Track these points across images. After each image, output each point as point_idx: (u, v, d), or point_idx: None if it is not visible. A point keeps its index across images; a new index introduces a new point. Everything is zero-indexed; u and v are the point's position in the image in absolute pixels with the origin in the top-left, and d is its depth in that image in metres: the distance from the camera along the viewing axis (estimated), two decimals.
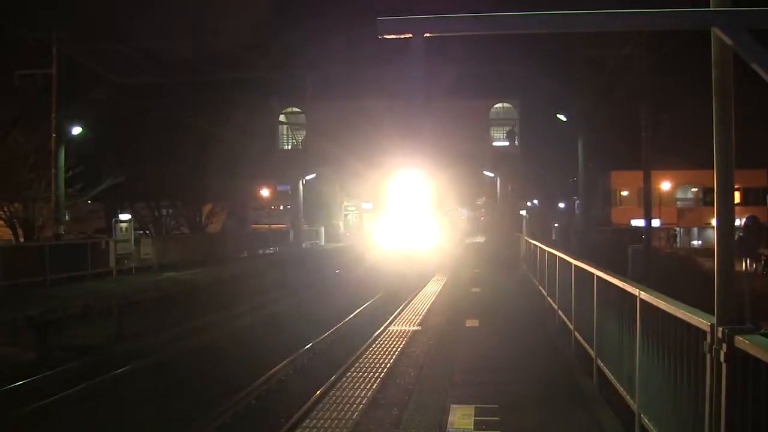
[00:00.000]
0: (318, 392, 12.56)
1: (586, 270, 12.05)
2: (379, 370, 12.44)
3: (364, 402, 10.31)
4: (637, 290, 8.08)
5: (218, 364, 17.85)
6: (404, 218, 35.02)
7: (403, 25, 5.73)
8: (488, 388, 10.77)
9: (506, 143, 56.90)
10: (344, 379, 11.91)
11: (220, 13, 36.42)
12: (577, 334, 13.11)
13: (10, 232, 41.16)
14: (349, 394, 10.69)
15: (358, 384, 11.36)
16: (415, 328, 17.50)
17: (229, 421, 13.15)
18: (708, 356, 5.68)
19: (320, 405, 10.31)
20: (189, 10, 34.57)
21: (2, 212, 40.66)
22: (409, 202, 32.31)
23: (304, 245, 58.74)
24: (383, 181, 48.04)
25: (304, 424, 9.37)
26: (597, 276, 10.89)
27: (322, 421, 9.37)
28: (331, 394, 10.90)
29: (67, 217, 37.27)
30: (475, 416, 9.23)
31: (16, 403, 14.50)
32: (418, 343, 15.23)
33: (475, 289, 26.40)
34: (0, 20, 32.62)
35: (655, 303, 7.31)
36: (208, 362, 18.22)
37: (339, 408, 9.97)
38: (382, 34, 5.71)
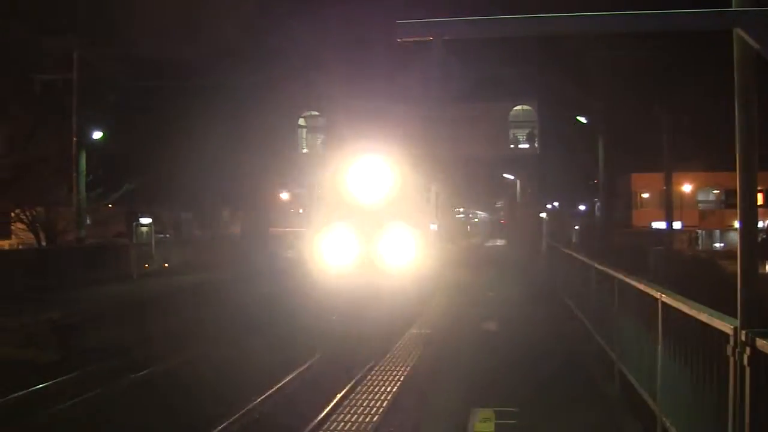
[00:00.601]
0: None
1: (607, 272, 11.99)
2: None
3: None
4: (659, 293, 8.03)
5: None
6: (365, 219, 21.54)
7: (422, 29, 5.70)
8: (507, 390, 10.71)
9: (526, 145, 56.66)
10: None
11: (238, 16, 36.51)
12: (598, 338, 13.04)
13: (33, 236, 41.44)
14: None
15: None
16: None
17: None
18: (731, 359, 5.63)
19: None
20: (206, 13, 34.68)
21: (24, 216, 40.95)
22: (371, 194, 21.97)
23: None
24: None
25: None
26: (617, 278, 10.83)
27: None
28: None
29: (88, 221, 37.45)
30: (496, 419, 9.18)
31: (42, 404, 14.62)
32: None
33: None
34: (21, 25, 32.83)
35: (677, 306, 7.25)
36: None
37: None
38: (401, 38, 5.69)
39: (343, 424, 9.59)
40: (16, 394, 15.22)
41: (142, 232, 34.28)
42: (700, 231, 61.70)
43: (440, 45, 5.51)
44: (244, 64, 40.59)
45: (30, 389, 15.64)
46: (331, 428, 9.45)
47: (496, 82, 42.83)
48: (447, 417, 9.66)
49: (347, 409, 10.32)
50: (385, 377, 12.29)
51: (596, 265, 13.71)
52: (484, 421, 9.14)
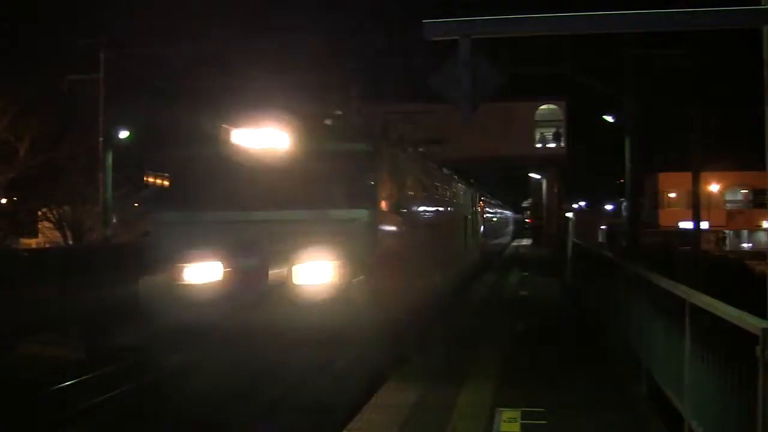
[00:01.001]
0: None
1: (634, 272, 11.93)
2: None
3: None
4: (687, 293, 7.97)
5: None
6: None
7: (449, 28, 5.71)
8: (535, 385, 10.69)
9: (553, 145, 56.40)
10: None
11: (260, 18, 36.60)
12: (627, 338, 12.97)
13: (59, 235, 41.77)
14: None
15: None
16: None
17: None
18: (760, 360, 5.57)
19: None
20: (228, 13, 34.78)
21: (51, 215, 41.30)
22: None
23: None
24: None
25: None
26: (645, 278, 10.77)
27: None
28: None
29: (114, 219, 37.68)
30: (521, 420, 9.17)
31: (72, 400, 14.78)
32: None
33: None
34: (49, 26, 33.18)
35: (704, 306, 7.20)
36: None
37: None
38: (429, 37, 5.70)
39: None
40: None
41: None
42: (727, 231, 61.19)
43: (468, 44, 5.51)
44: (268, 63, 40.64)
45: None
46: None
47: (522, 81, 42.57)
48: None
49: None
50: None
51: (625, 267, 13.65)
52: (510, 421, 9.12)
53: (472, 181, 32.97)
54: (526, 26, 6.16)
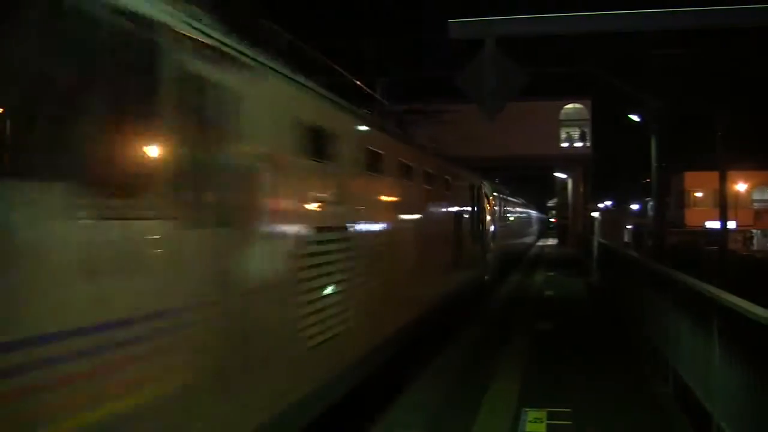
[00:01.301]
0: None
1: (660, 271, 11.88)
2: None
3: None
4: (715, 293, 7.93)
5: None
6: None
7: (474, 27, 5.70)
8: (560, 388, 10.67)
9: (578, 144, 56.20)
10: None
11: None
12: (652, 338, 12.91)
13: None
14: None
15: None
16: None
17: None
18: None
19: None
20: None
21: None
22: None
23: None
24: None
25: None
26: (672, 278, 10.71)
27: None
28: None
29: None
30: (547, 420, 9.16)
31: None
32: None
33: None
34: None
35: (733, 306, 7.16)
36: None
37: None
38: (454, 36, 5.70)
39: None
40: None
41: None
42: (755, 231, 60.63)
43: (493, 44, 5.51)
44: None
45: None
46: None
47: (547, 80, 42.52)
48: None
49: None
50: None
51: (651, 266, 13.59)
52: (535, 422, 9.10)
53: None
54: (549, 25, 6.15)
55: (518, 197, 49.89)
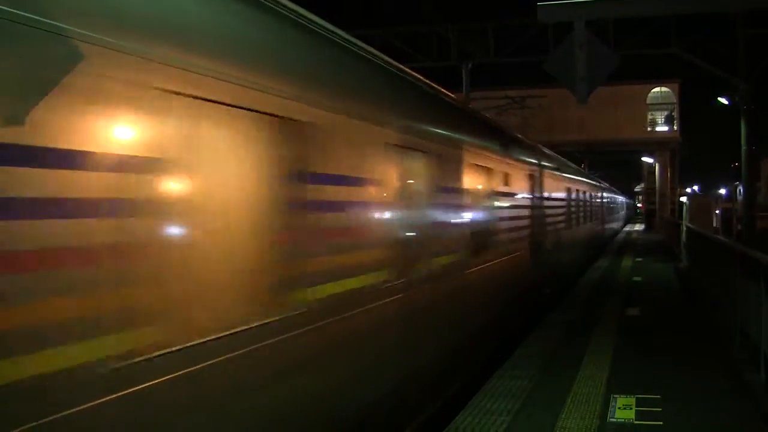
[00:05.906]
0: None
1: (752, 256, 11.67)
2: None
3: None
4: None
5: None
6: None
7: (564, 10, 5.72)
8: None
9: (665, 128, 55.32)
10: None
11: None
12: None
13: None
14: None
15: None
16: None
17: None
18: None
19: None
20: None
21: None
22: None
23: None
24: None
25: None
26: (764, 263, 10.52)
27: None
28: None
29: None
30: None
31: None
32: None
33: None
34: None
35: None
36: None
37: None
38: (542, 19, 5.72)
39: None
40: None
41: None
42: None
43: (583, 27, 5.50)
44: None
45: None
46: None
47: (634, 63, 41.93)
48: None
49: None
50: None
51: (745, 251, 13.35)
52: (624, 408, 9.07)
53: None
54: (637, 7, 6.12)
55: (609, 185, 52.20)
